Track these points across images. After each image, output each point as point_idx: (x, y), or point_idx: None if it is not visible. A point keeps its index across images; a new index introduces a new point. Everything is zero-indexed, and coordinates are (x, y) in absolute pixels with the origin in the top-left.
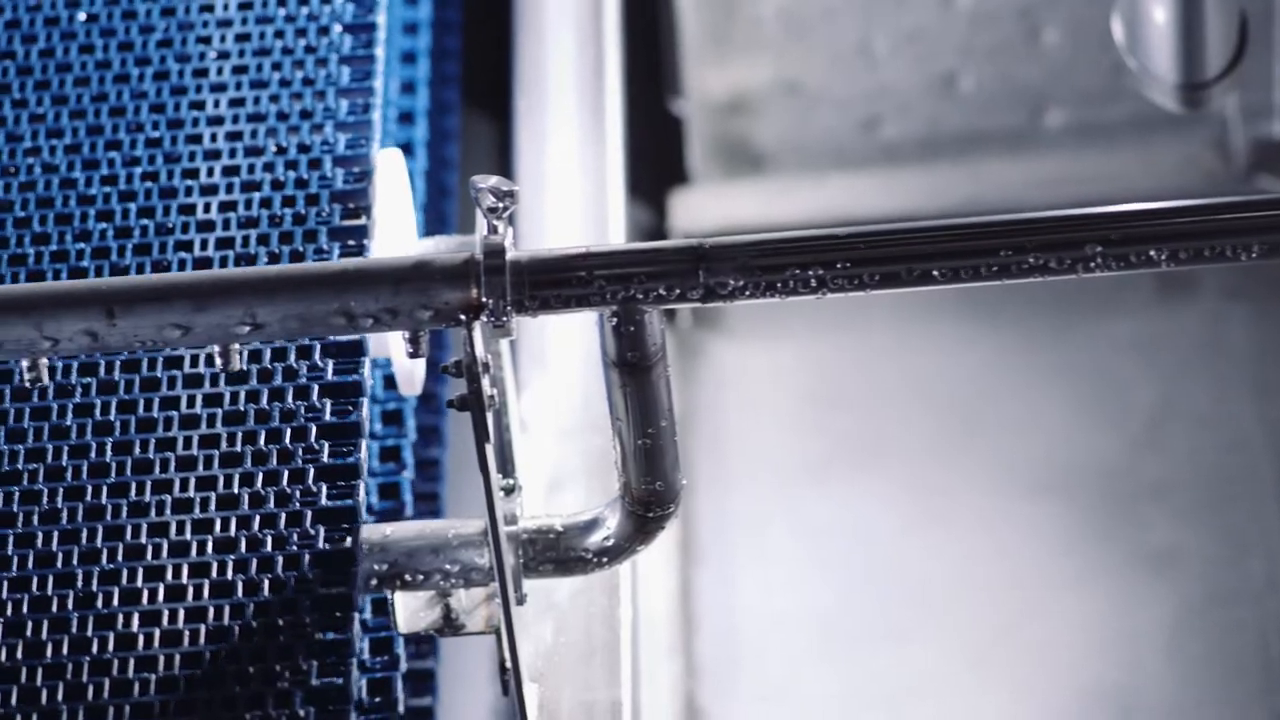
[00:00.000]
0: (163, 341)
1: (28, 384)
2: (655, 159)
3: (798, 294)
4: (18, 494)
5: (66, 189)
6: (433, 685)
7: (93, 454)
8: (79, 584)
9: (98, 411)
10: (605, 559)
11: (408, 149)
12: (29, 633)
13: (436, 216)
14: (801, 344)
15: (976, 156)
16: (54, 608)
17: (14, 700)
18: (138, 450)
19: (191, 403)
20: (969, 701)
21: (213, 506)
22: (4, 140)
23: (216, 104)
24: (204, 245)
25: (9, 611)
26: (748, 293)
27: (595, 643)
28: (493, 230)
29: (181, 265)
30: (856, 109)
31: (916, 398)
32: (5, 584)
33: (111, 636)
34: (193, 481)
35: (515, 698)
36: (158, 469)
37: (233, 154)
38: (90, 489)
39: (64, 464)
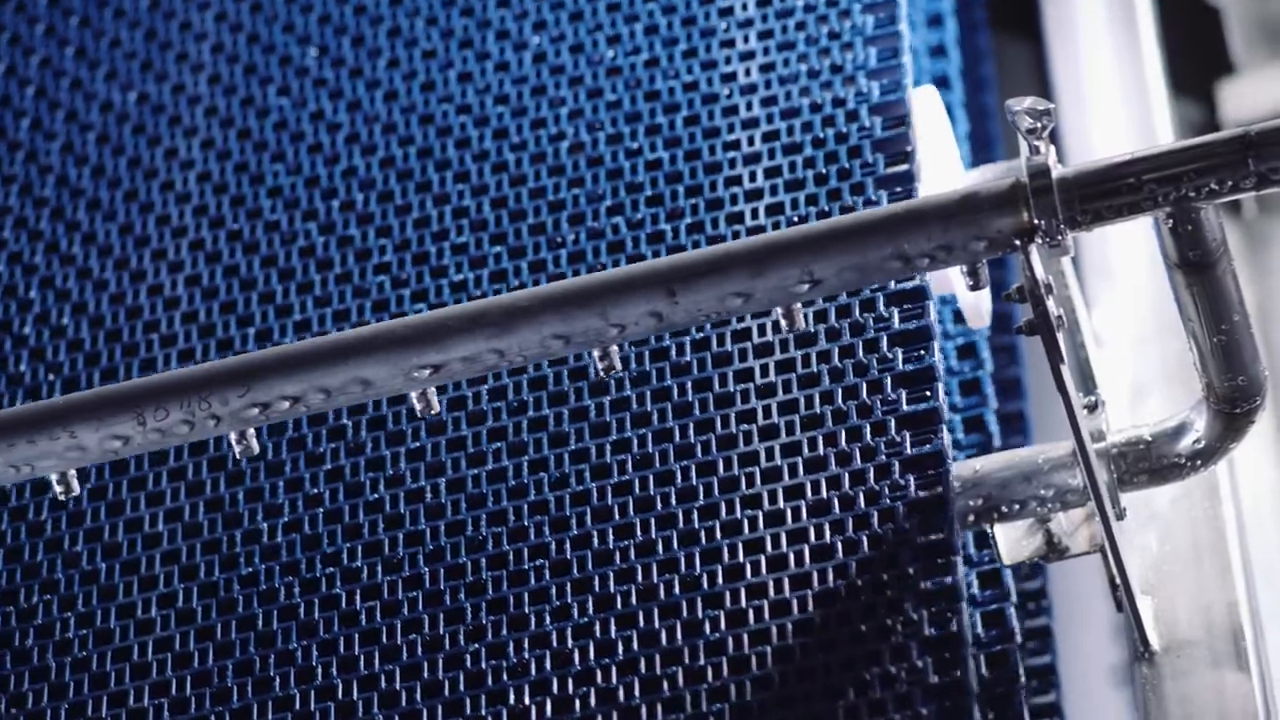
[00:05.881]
0: (725, 311)
1: (602, 375)
2: (1196, 52)
3: None
4: (633, 503)
5: (592, 166)
6: (1048, 607)
7: (676, 436)
8: (682, 567)
9: (674, 394)
10: (1199, 461)
11: (943, 82)
12: (640, 622)
13: (981, 141)
14: None
15: None
16: (661, 594)
17: (637, 690)
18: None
19: (765, 371)
20: None
21: (801, 471)
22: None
23: (748, 72)
24: (754, 214)
25: (617, 605)
26: None
27: (1202, 547)
28: (1034, 151)
29: (735, 238)
30: None
31: None
32: (611, 578)
33: (721, 615)
34: (778, 449)
35: (1129, 612)
36: (741, 442)
37: (769, 119)
38: (679, 471)
39: (651, 451)
